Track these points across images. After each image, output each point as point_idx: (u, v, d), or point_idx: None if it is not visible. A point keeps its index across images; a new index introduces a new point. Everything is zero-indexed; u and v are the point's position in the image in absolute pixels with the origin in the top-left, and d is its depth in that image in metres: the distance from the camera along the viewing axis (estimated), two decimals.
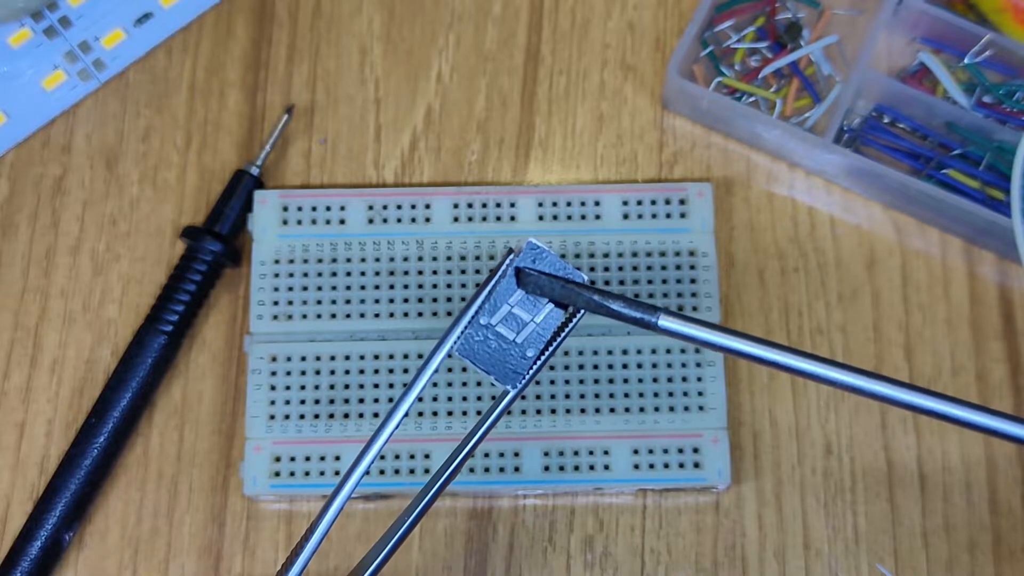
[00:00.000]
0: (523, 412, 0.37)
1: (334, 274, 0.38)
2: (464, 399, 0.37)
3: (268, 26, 0.42)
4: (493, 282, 0.28)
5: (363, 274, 0.38)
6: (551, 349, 0.28)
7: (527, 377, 0.28)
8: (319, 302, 0.38)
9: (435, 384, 0.37)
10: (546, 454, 0.37)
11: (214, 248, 0.38)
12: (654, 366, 0.37)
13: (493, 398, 0.37)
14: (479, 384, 0.37)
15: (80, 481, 0.36)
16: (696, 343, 0.27)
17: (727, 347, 0.27)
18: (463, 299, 0.38)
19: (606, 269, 0.38)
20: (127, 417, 0.37)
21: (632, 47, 0.42)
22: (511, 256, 0.29)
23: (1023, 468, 0.37)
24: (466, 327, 0.28)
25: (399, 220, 0.39)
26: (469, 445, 0.28)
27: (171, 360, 0.38)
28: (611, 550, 0.37)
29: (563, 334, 0.29)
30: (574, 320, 0.29)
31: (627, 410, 0.37)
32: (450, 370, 0.37)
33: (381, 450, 0.28)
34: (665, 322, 0.27)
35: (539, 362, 0.28)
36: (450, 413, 0.37)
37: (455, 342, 0.28)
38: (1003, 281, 0.39)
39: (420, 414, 0.37)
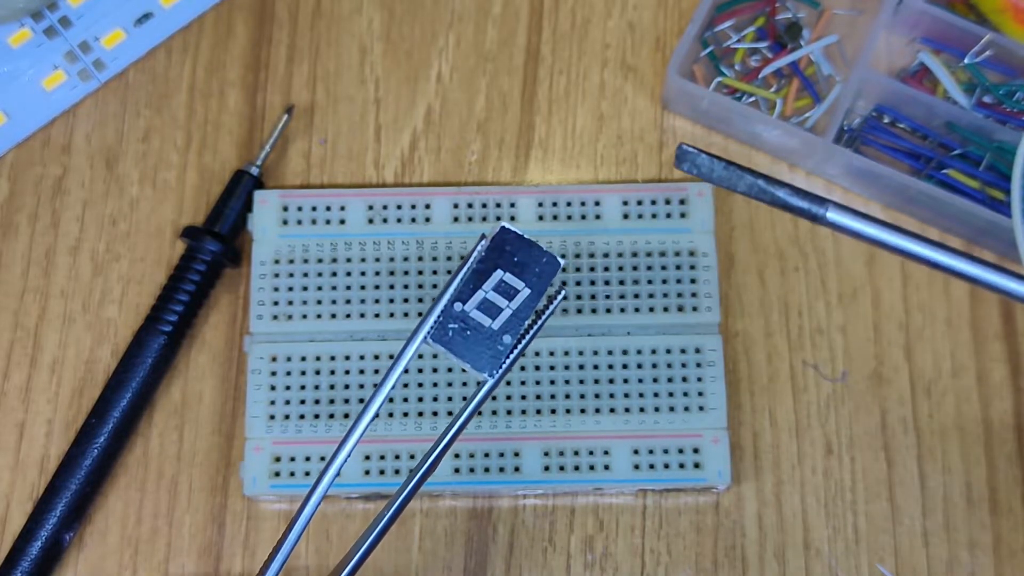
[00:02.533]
0: (523, 412, 0.37)
1: (334, 274, 0.38)
2: (464, 399, 0.37)
3: (268, 26, 0.42)
4: (467, 267, 0.27)
5: (363, 274, 0.38)
6: (530, 335, 0.27)
7: (505, 365, 0.27)
8: (319, 302, 0.38)
9: (435, 384, 0.37)
10: (546, 454, 0.37)
11: (214, 248, 0.38)
12: (654, 366, 0.37)
13: (493, 399, 0.37)
14: (478, 383, 0.37)
15: (80, 481, 0.36)
16: (862, 239, 0.25)
17: (896, 246, 0.25)
18: None
19: (606, 269, 0.38)
20: (127, 417, 0.37)
21: (632, 47, 0.42)
22: (483, 241, 0.28)
23: (1023, 468, 0.37)
24: (440, 315, 0.27)
25: (399, 220, 0.39)
26: (450, 433, 0.28)
27: (171, 360, 0.38)
28: (611, 550, 0.37)
29: (542, 319, 0.28)
30: (553, 304, 0.28)
31: (627, 410, 0.37)
32: (450, 370, 0.37)
33: (356, 445, 0.27)
34: (833, 215, 0.25)
35: (517, 349, 0.27)
36: (449, 413, 0.37)
37: (429, 330, 0.27)
38: None
39: (420, 414, 0.37)
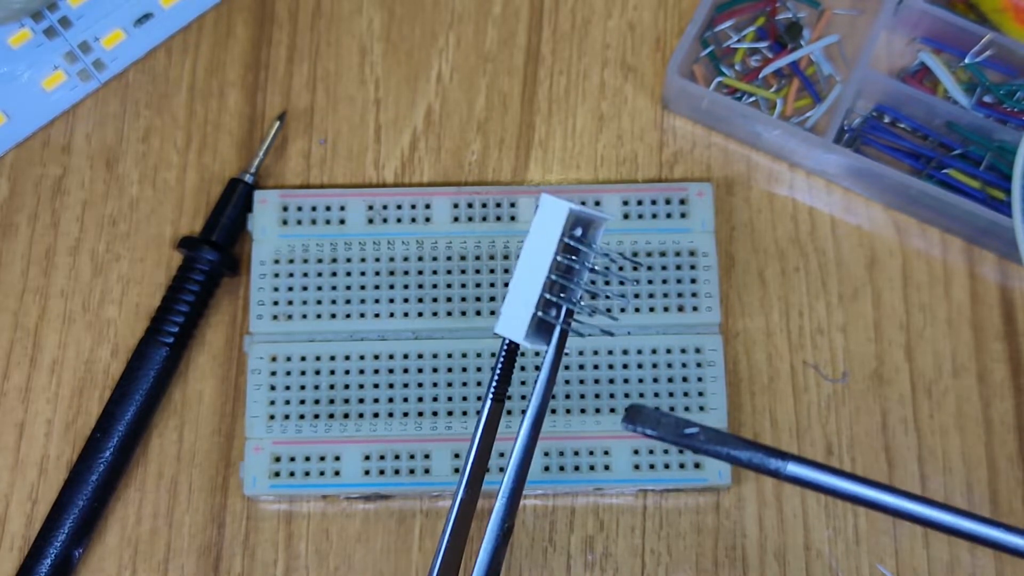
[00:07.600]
0: (523, 412, 0.37)
1: (334, 274, 0.38)
2: (464, 399, 0.37)
3: (268, 26, 0.42)
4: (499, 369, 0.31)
5: (363, 274, 0.38)
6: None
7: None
8: (319, 302, 0.38)
9: (435, 384, 0.37)
10: (546, 454, 0.36)
11: (211, 258, 0.38)
12: (654, 366, 0.37)
13: None
14: (479, 384, 0.37)
15: (88, 497, 0.36)
16: (825, 491, 0.25)
17: (859, 496, 0.25)
18: (463, 299, 0.38)
19: (606, 269, 0.38)
20: (132, 430, 0.37)
21: (632, 47, 0.42)
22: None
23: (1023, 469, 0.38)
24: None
25: (399, 220, 0.39)
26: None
27: (174, 370, 0.38)
28: (611, 551, 0.37)
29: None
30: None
31: None
32: (450, 370, 0.37)
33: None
34: (794, 469, 0.25)
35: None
36: (450, 413, 0.37)
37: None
38: (1004, 281, 0.39)
39: (420, 414, 0.37)
